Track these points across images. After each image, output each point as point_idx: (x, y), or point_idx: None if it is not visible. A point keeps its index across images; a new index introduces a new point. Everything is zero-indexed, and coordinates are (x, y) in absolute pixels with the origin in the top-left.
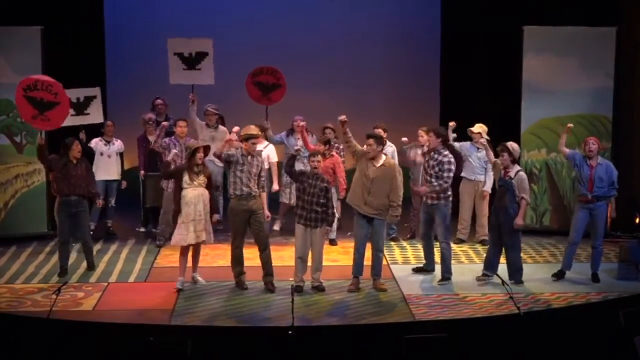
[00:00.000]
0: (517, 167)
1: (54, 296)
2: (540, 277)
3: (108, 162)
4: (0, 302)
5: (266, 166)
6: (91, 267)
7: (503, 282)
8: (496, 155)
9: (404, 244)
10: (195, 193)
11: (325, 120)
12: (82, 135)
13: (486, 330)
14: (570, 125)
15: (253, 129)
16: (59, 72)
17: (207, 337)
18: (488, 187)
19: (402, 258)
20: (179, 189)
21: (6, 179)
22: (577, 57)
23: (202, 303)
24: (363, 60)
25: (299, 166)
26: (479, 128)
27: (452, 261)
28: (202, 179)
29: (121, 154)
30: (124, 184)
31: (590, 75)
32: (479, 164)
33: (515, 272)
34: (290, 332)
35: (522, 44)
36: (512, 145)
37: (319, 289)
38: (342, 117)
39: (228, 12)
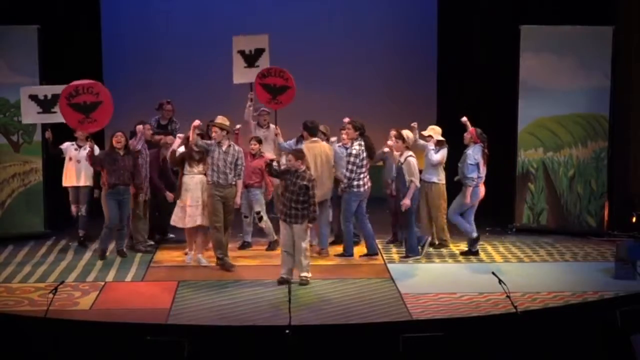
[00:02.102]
0: (408, 153)
1: (50, 295)
2: (538, 276)
3: (77, 168)
4: None
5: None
6: (122, 254)
7: (500, 281)
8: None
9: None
10: (194, 180)
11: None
12: (48, 134)
13: (483, 329)
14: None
15: (221, 119)
16: (55, 71)
17: (204, 337)
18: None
19: (399, 257)
20: (181, 175)
21: (3, 179)
22: (574, 56)
23: (199, 302)
24: (359, 60)
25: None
26: (430, 131)
27: (449, 260)
28: (201, 167)
29: None
30: (96, 193)
31: (587, 74)
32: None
33: (411, 249)
34: (287, 331)
35: (519, 43)
36: (406, 132)
37: (300, 283)
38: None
39: (225, 13)
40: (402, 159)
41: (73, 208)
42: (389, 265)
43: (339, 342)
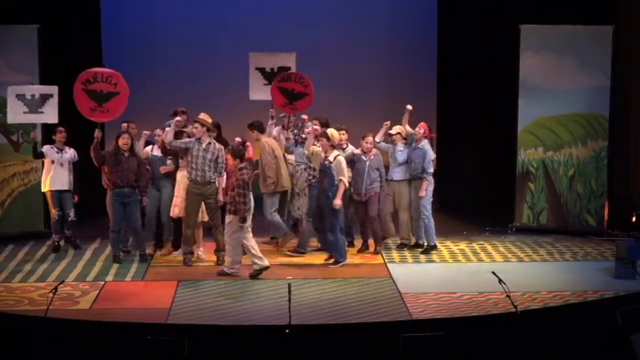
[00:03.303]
0: (335, 152)
1: (50, 295)
2: (538, 275)
3: (60, 171)
4: None
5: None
6: (143, 258)
7: (500, 280)
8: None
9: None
10: (181, 173)
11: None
12: (33, 134)
13: (483, 329)
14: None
15: (203, 116)
16: (55, 71)
17: (204, 336)
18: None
19: (399, 257)
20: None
21: (3, 178)
22: (574, 55)
23: (199, 302)
24: (359, 59)
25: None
26: (398, 129)
27: (449, 260)
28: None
29: (74, 164)
30: (76, 198)
31: (587, 73)
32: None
33: (334, 252)
34: (287, 330)
35: (519, 43)
36: (331, 131)
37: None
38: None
39: (225, 12)
40: (330, 158)
41: (54, 212)
42: (389, 265)
43: (338, 341)
